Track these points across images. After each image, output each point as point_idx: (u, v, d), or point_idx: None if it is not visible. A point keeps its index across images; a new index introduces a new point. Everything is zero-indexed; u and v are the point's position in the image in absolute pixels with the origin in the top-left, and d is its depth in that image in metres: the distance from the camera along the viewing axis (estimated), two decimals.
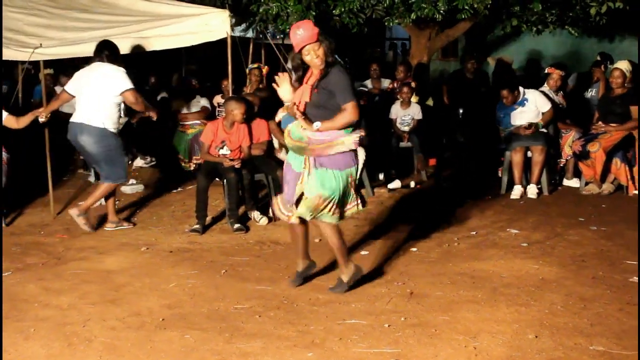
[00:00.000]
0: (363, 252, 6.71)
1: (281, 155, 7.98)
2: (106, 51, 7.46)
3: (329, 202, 5.36)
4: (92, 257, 6.66)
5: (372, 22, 9.80)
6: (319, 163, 5.37)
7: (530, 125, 9.02)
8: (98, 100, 7.34)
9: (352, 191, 5.49)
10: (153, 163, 10.68)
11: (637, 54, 11.44)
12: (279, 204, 5.65)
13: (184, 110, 10.29)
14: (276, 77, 5.55)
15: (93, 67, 7.49)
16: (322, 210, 5.38)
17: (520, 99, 9.19)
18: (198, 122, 10.11)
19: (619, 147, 8.89)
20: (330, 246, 5.63)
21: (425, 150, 9.94)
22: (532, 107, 9.12)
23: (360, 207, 5.57)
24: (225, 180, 7.73)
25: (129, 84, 7.38)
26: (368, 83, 11.27)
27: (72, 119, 7.49)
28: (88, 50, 8.12)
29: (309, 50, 5.28)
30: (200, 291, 5.68)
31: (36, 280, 5.95)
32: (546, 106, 9.15)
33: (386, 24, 9.86)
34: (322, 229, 5.55)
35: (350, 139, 5.35)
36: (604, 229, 7.33)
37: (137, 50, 8.22)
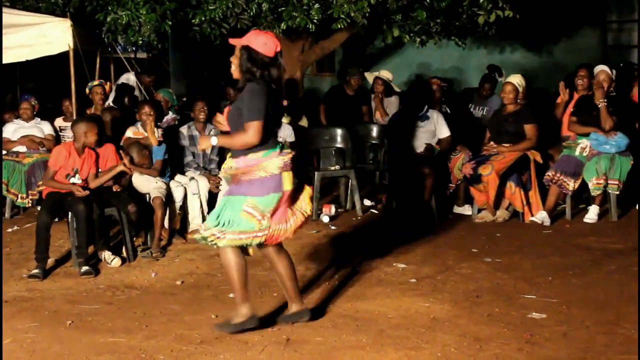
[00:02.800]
0: (231, 295, 6.65)
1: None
2: None
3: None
4: None
5: (237, 33, 9.85)
6: (229, 191, 5.59)
7: (428, 147, 9.25)
8: None
9: (250, 222, 5.48)
10: None
11: (529, 67, 11.95)
12: None
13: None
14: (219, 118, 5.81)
15: None
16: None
17: (422, 113, 9.41)
18: (36, 150, 9.84)
19: (513, 170, 9.18)
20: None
21: (299, 176, 9.97)
22: (430, 127, 9.35)
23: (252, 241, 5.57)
24: (72, 214, 7.58)
25: None
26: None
27: None
28: None
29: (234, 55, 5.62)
30: (41, 347, 5.53)
31: None
32: (446, 132, 9.42)
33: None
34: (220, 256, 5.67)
35: (274, 164, 5.49)
36: (499, 261, 7.57)
37: None
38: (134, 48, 10.59)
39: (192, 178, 8.74)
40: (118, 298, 6.74)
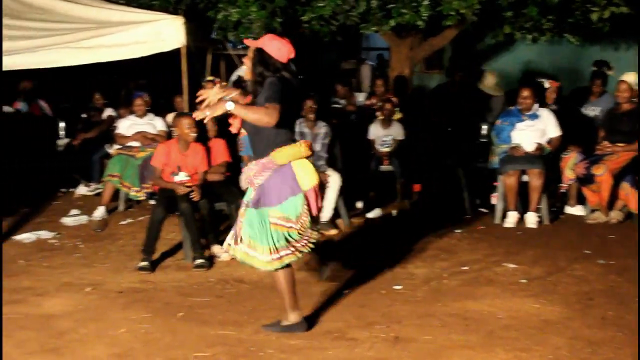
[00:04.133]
0: (345, 291, 6.71)
1: None
2: None
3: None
4: (29, 299, 6.59)
5: (346, 30, 9.87)
6: (254, 201, 5.56)
7: (538, 147, 9.10)
8: None
9: (282, 234, 5.51)
10: (98, 190, 10.61)
11: None
12: None
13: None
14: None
15: None
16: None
17: (532, 112, 9.28)
18: (149, 145, 10.04)
19: (628, 170, 8.97)
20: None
21: (409, 175, 9.98)
22: (540, 126, 9.21)
23: (296, 255, 5.57)
24: (179, 212, 7.72)
25: None
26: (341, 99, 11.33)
27: None
28: (23, 62, 8.10)
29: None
30: (154, 337, 5.64)
31: None
32: (557, 131, 9.25)
33: (362, 32, 9.92)
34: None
35: (283, 154, 5.47)
36: (613, 263, 7.41)
37: (77, 62, 8.20)
38: (244, 45, 10.64)
39: None
40: (228, 291, 6.83)
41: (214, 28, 9.85)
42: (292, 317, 5.72)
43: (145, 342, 5.56)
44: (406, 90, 11.48)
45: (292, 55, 5.59)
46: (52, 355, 5.32)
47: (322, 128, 8.93)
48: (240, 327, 5.83)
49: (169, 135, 10.03)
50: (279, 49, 5.53)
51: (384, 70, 13.81)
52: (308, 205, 5.52)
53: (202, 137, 8.04)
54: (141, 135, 10.10)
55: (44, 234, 8.75)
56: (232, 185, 8.18)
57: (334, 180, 8.68)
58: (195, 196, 7.70)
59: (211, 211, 7.90)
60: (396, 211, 9.62)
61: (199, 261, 7.50)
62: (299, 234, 5.51)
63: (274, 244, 5.46)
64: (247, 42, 5.73)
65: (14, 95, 12.40)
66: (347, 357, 5.22)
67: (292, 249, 5.50)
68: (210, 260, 7.63)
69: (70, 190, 11.05)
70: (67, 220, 9.35)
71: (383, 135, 9.98)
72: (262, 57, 5.54)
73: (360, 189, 9.76)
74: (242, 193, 7.95)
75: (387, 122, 9.99)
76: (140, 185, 9.75)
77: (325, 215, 8.59)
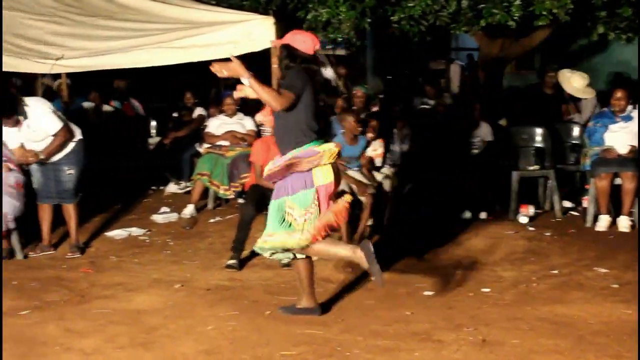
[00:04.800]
0: (427, 293, 6.68)
1: None
2: None
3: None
4: (120, 294, 6.72)
5: (435, 30, 9.80)
6: (274, 194, 5.85)
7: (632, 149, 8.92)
8: None
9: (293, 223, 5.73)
10: (188, 189, 10.75)
11: None
12: None
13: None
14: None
15: None
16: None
17: (626, 113, 9.10)
18: (237, 145, 10.11)
19: None
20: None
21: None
22: (634, 128, 9.01)
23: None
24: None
25: None
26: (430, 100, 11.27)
27: None
28: (116, 62, 8.24)
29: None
30: (241, 335, 5.69)
31: (57, 320, 6.01)
32: None
33: (452, 32, 9.86)
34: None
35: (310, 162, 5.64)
36: None
37: (169, 61, 8.31)
38: (332, 45, 10.67)
39: (387, 175, 8.78)
40: (315, 291, 6.83)
41: (304, 28, 9.87)
42: (305, 302, 6.06)
43: (232, 339, 5.61)
44: (496, 91, 11.35)
45: (317, 47, 5.79)
46: (141, 349, 5.41)
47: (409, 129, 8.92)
48: (327, 327, 5.84)
49: (257, 135, 10.10)
50: (303, 41, 5.75)
51: (474, 71, 13.69)
52: (318, 200, 5.69)
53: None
54: (230, 135, 10.19)
55: (135, 231, 8.92)
56: None
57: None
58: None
59: None
60: (485, 214, 9.50)
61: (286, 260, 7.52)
62: (303, 225, 5.68)
63: (284, 229, 5.72)
64: (273, 42, 5.96)
65: (109, 94, 12.68)
66: (433, 359, 5.19)
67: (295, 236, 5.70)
68: None
69: (161, 188, 11.24)
70: (157, 218, 9.50)
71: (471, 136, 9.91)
72: (288, 52, 5.75)
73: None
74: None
75: (476, 124, 9.91)
76: (229, 184, 9.84)
77: None
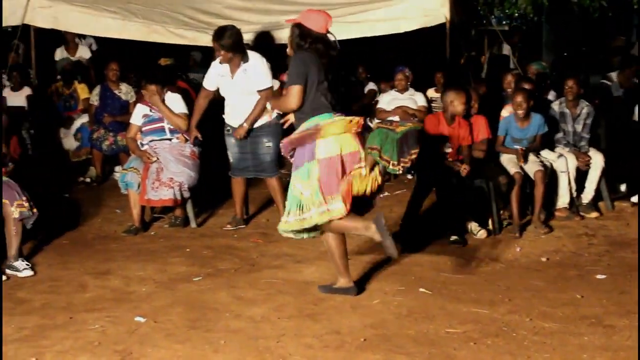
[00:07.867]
0: (599, 276, 6.50)
1: None
2: None
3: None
4: (289, 265, 6.86)
5: (616, 5, 9.48)
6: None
7: None
8: None
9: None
10: None
11: None
12: None
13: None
14: None
15: None
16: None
17: None
18: (408, 120, 10.09)
19: None
20: None
21: None
22: None
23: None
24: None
25: None
26: (613, 76, 10.86)
27: None
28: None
29: None
30: (406, 310, 5.72)
31: (228, 288, 6.20)
32: None
33: (635, 7, 9.51)
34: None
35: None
36: None
37: (343, 36, 8.37)
38: (508, 21, 10.49)
39: (561, 155, 8.53)
40: (482, 270, 6.79)
41: (480, 3, 9.74)
42: (342, 282, 6.00)
43: (397, 314, 5.64)
44: None
45: (330, 25, 5.83)
46: (308, 320, 5.51)
47: (584, 108, 8.63)
48: (494, 306, 5.78)
49: (429, 111, 10.04)
50: (316, 20, 5.81)
51: None
52: (342, 168, 5.88)
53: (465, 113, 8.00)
54: (402, 110, 10.17)
55: None
56: (492, 162, 8.08)
57: (597, 161, 8.40)
58: (465, 170, 7.70)
59: (470, 188, 7.84)
60: None
61: (453, 237, 7.50)
62: (310, 201, 5.72)
63: (295, 208, 5.79)
64: (288, 20, 5.97)
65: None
66: (603, 345, 5.05)
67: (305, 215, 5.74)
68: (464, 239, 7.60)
69: None
70: None
71: None
72: (300, 31, 5.81)
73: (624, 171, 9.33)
74: (502, 171, 7.90)
75: None
76: (398, 160, 9.81)
77: (587, 197, 8.34)
